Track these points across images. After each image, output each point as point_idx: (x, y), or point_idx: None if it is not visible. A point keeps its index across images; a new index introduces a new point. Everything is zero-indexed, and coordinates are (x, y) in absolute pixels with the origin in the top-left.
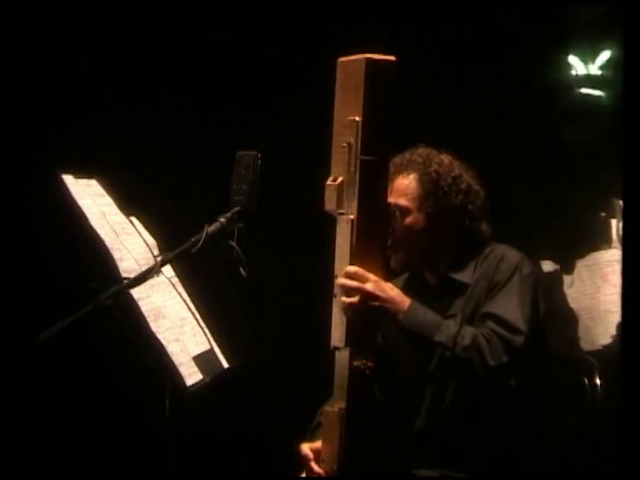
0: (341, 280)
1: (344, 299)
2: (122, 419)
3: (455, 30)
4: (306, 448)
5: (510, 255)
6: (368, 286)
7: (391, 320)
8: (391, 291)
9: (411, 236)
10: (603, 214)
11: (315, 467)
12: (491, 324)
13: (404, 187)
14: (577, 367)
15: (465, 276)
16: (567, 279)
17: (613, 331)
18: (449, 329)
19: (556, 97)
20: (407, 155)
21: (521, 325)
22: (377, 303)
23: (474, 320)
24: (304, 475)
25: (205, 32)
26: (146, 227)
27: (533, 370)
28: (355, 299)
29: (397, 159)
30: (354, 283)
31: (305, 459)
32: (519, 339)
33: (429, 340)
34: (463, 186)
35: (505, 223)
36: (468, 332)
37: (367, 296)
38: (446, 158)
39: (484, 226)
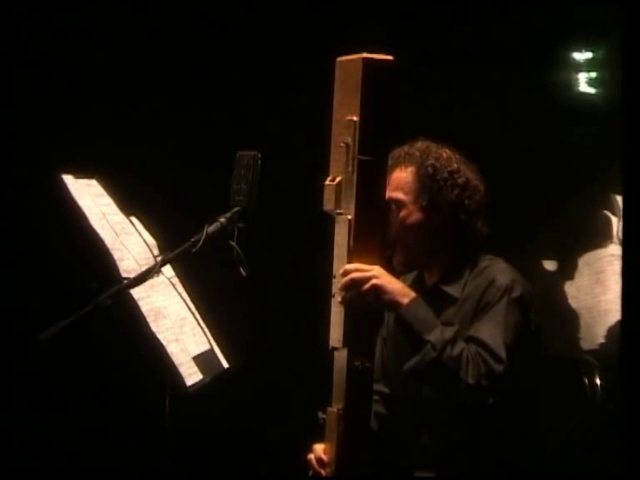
0: (350, 275)
1: (341, 294)
2: (122, 419)
3: (454, 30)
4: (318, 450)
5: (501, 277)
6: (370, 274)
7: (390, 309)
8: (394, 281)
9: (406, 231)
10: (604, 212)
11: (317, 469)
12: (475, 347)
13: (400, 180)
14: (577, 367)
15: (455, 290)
16: (567, 277)
17: (613, 330)
18: (444, 334)
19: (556, 96)
20: (406, 148)
21: (502, 353)
22: (380, 284)
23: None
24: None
25: (205, 32)
26: (146, 227)
27: (530, 378)
28: (358, 289)
29: (396, 152)
30: (358, 274)
31: (309, 462)
32: (499, 368)
33: (420, 336)
34: (460, 181)
35: (506, 222)
36: (459, 345)
37: (369, 281)
38: (445, 152)
39: (480, 223)
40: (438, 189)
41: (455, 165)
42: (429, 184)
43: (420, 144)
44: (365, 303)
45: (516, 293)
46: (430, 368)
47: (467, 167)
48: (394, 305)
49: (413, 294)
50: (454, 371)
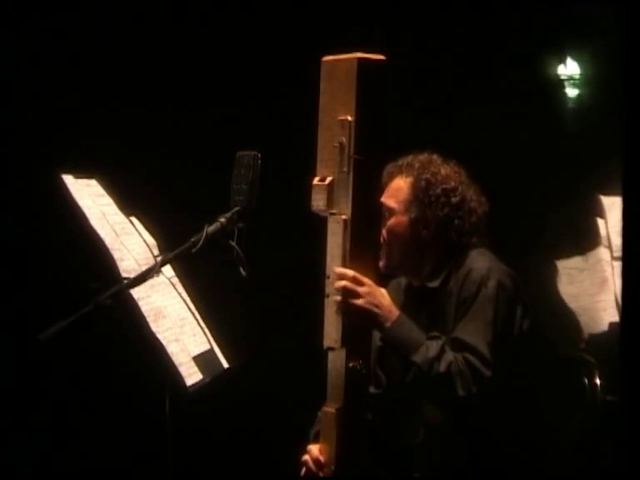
0: (337, 282)
1: (336, 298)
2: (122, 419)
3: (453, 30)
4: (314, 451)
5: (477, 267)
6: (362, 290)
7: (376, 328)
8: (383, 299)
9: (393, 238)
10: (596, 216)
11: (314, 470)
12: (464, 352)
13: (396, 188)
14: (577, 367)
15: (437, 282)
16: (567, 278)
17: (613, 331)
18: (429, 351)
19: (553, 96)
20: (409, 158)
21: (488, 355)
22: (366, 306)
23: (446, 337)
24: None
25: (205, 33)
26: (146, 227)
27: (528, 372)
28: (347, 300)
29: (400, 160)
30: (348, 284)
31: (305, 463)
32: (487, 371)
33: (406, 358)
34: (454, 200)
35: (505, 223)
36: (445, 359)
37: (358, 299)
38: (444, 169)
39: (475, 240)
40: (428, 204)
41: (452, 183)
42: (421, 197)
43: (423, 156)
44: (350, 316)
45: (492, 283)
46: (420, 388)
47: (468, 187)
48: (378, 327)
49: (396, 314)
50: (444, 387)
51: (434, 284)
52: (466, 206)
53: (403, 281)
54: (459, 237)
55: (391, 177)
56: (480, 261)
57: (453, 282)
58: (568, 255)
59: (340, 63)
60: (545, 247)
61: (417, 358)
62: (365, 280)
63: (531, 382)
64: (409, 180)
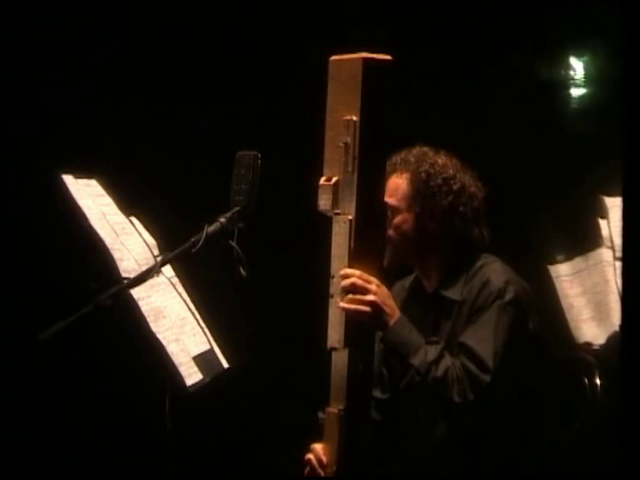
0: (345, 280)
1: (343, 296)
2: (122, 419)
3: (452, 30)
4: (317, 450)
5: (495, 279)
6: (370, 287)
7: (379, 327)
8: (388, 299)
9: (400, 235)
10: (598, 216)
11: (317, 469)
12: (463, 358)
13: (395, 186)
14: (577, 367)
15: (455, 293)
16: (567, 279)
17: (613, 331)
18: (427, 355)
19: (553, 96)
20: (402, 154)
21: (490, 362)
22: (374, 304)
23: (452, 344)
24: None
25: (206, 32)
26: (146, 227)
27: (530, 375)
28: (355, 297)
29: (393, 158)
30: (358, 281)
31: (309, 462)
32: (485, 378)
33: (404, 359)
34: (455, 187)
35: (504, 223)
36: (443, 364)
37: (367, 296)
38: (441, 159)
39: (477, 230)
40: (431, 195)
41: (451, 171)
42: (422, 190)
43: (416, 150)
44: (358, 313)
45: (509, 296)
46: (417, 391)
47: (465, 173)
48: (382, 326)
49: (397, 314)
50: (440, 392)
51: (449, 293)
52: (467, 192)
53: (407, 283)
54: (464, 224)
55: (387, 176)
56: (498, 273)
57: (467, 291)
58: (568, 256)
59: (345, 63)
60: (545, 247)
61: (415, 360)
62: (372, 279)
63: (532, 383)
64: (406, 176)
